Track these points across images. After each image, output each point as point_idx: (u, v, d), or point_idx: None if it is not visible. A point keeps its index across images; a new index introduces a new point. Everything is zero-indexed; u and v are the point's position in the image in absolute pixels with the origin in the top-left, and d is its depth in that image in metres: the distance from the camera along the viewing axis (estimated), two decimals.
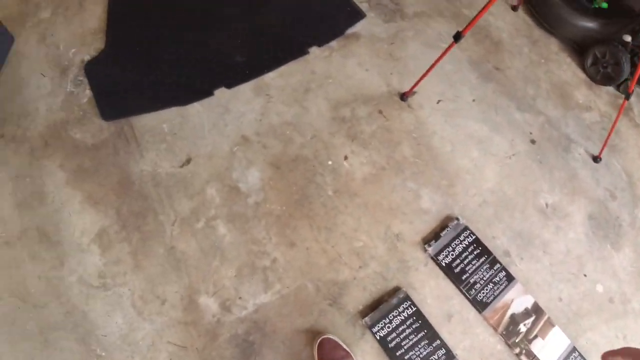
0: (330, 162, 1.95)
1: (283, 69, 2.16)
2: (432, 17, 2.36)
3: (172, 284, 1.73)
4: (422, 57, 2.22)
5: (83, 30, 2.40)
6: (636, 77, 1.81)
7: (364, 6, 2.38)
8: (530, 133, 2.19)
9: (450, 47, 1.77)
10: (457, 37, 1.73)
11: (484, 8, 1.58)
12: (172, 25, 2.31)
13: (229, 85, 2.10)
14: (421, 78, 1.97)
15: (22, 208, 1.93)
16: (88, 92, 2.17)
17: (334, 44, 2.23)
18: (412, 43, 2.26)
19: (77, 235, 1.85)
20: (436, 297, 1.76)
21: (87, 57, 2.29)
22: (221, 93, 2.10)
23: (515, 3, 2.50)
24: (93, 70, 2.19)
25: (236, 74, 2.12)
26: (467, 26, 1.67)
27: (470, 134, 2.10)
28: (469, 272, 1.78)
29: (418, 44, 2.26)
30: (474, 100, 2.18)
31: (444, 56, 1.80)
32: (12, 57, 2.41)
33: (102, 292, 1.72)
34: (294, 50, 2.18)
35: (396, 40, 2.26)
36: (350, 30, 2.28)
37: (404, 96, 2.09)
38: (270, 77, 2.14)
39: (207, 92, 2.08)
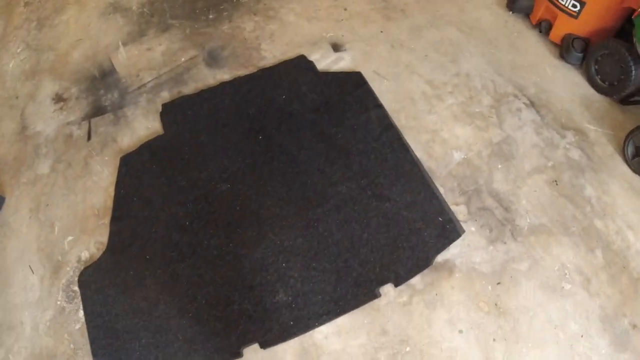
0: None
1: (342, 320, 1.53)
2: (554, 236, 1.67)
3: None
4: (539, 312, 1.55)
5: (84, 208, 1.83)
6: None
7: (461, 210, 1.70)
8: None
9: None
10: None
11: None
12: (198, 228, 1.70)
13: (265, 343, 1.49)
14: None
15: None
16: (82, 315, 1.61)
17: (416, 280, 1.58)
18: (525, 284, 1.59)
19: None
20: None
21: (84, 255, 1.74)
22: (253, 354, 1.50)
23: None
24: (89, 285, 1.64)
25: (275, 324, 1.51)
26: None
27: None
28: None
29: (534, 287, 1.59)
30: None
31: None
32: None
33: None
34: (360, 290, 1.55)
35: (504, 277, 1.59)
36: (440, 257, 1.61)
37: None
38: (322, 333, 1.52)
39: (233, 352, 1.48)
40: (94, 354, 1.53)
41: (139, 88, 2.15)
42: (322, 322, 1.51)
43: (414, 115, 1.97)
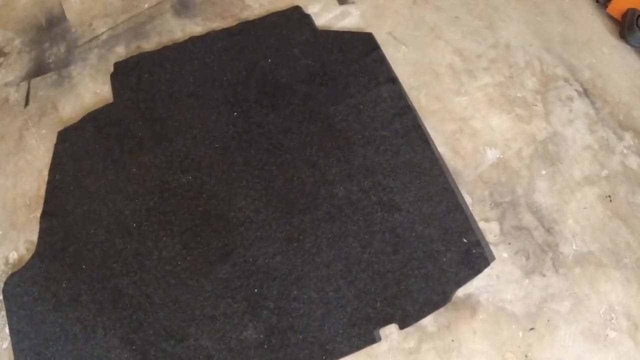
0: None
1: None
2: (603, 267, 1.30)
3: None
4: None
5: (14, 195, 1.47)
6: None
7: (491, 229, 1.32)
8: None
9: None
10: None
11: None
12: (148, 233, 1.33)
13: None
14: None
15: None
16: (8, 333, 1.28)
17: (428, 321, 1.22)
18: (564, 330, 1.24)
19: None
20: None
21: (13, 256, 1.40)
22: None
23: None
24: (15, 297, 1.32)
25: None
26: None
27: None
28: None
29: (573, 334, 1.24)
30: None
31: None
32: None
33: None
34: (354, 330, 1.20)
35: (539, 321, 1.24)
36: (461, 292, 1.25)
37: None
38: None
39: None
40: None
41: (90, 41, 1.69)
42: None
43: (437, 95, 1.54)
